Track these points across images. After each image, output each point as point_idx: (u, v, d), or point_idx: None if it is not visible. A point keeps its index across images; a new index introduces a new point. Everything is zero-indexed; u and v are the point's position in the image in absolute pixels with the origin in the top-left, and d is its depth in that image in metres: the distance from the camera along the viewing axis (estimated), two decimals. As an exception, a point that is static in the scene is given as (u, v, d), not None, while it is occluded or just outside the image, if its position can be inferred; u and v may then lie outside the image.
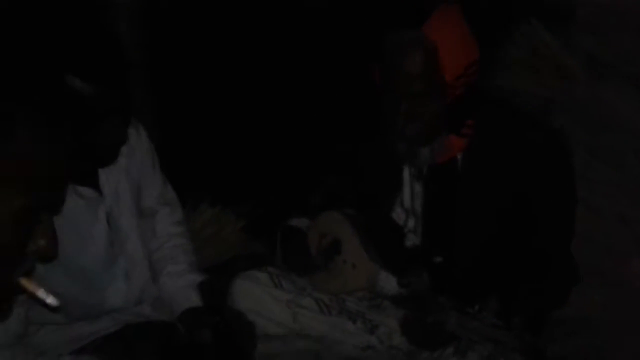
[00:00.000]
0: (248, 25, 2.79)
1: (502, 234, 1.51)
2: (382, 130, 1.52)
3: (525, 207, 1.48)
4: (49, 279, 1.06)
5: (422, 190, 1.58)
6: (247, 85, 2.70)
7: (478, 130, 1.49)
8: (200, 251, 2.17)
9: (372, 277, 1.62)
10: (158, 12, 2.54)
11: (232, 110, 2.67)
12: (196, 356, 1.50)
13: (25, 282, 0.83)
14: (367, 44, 1.48)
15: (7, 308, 0.86)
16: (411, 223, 1.63)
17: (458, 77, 1.41)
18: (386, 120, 1.48)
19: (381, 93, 1.47)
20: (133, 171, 1.61)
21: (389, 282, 1.60)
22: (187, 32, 2.72)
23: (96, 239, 1.53)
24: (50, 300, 0.80)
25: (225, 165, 2.51)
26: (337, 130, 1.90)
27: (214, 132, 2.63)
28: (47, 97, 0.82)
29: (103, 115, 1.36)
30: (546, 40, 1.88)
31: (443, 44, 1.39)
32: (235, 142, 2.63)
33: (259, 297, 1.63)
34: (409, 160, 1.52)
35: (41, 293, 0.82)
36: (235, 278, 1.66)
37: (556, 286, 1.54)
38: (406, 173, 1.61)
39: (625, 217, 1.81)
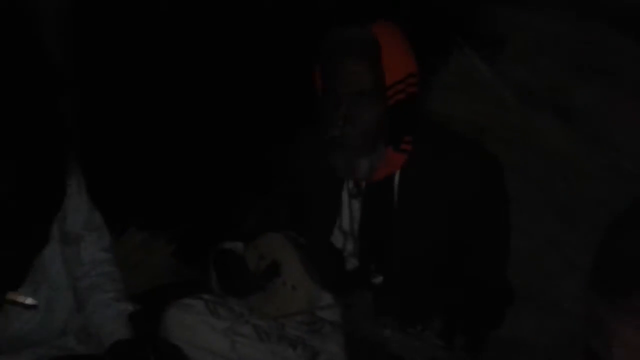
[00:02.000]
0: (176, 44, 2.70)
1: (439, 256, 1.51)
2: (320, 146, 1.50)
3: (460, 231, 1.50)
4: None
5: (360, 209, 1.56)
6: (175, 104, 2.61)
7: (416, 148, 1.50)
8: (129, 278, 2.06)
9: (313, 299, 1.58)
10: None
11: (160, 131, 2.57)
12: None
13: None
14: (305, 47, 1.48)
15: None
16: (350, 246, 1.61)
17: (398, 82, 1.43)
18: (324, 126, 1.45)
19: (320, 96, 1.46)
20: None
21: (329, 305, 1.56)
22: (108, 57, 2.60)
23: (15, 266, 1.41)
24: (29, 301, 0.73)
25: (153, 188, 2.41)
26: (273, 149, 1.87)
27: (141, 154, 2.52)
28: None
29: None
30: (480, 68, 1.93)
31: (386, 45, 1.41)
32: (164, 164, 2.53)
33: (194, 327, 1.54)
34: (347, 172, 1.50)
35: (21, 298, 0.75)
36: (167, 307, 1.57)
37: (491, 307, 1.56)
38: (345, 194, 1.59)
39: (555, 240, 1.87)
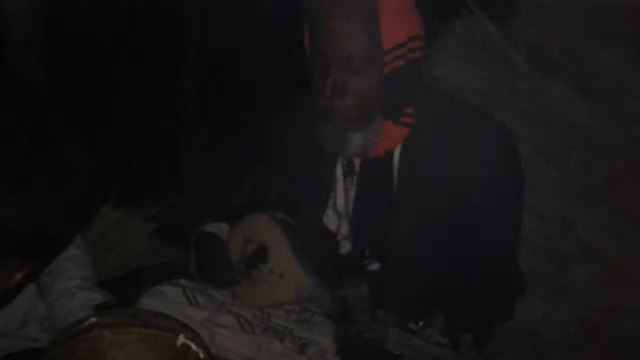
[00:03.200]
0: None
1: (442, 241, 1.35)
2: (311, 114, 1.33)
3: (466, 213, 1.34)
4: None
5: (355, 188, 1.40)
6: (156, 64, 2.42)
7: (419, 120, 1.33)
8: (103, 261, 1.91)
9: (303, 288, 1.43)
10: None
11: (136, 92, 2.37)
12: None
13: None
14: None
15: None
16: (344, 228, 1.46)
17: (398, 47, 1.25)
18: (312, 95, 1.28)
19: (308, 60, 1.28)
20: None
21: (321, 295, 1.41)
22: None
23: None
24: None
25: (131, 160, 2.22)
26: (262, 117, 1.69)
27: (116, 121, 2.32)
28: None
29: None
30: (488, 31, 1.75)
31: (385, 2, 1.22)
32: (142, 133, 2.33)
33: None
34: (337, 148, 1.33)
35: None
36: (141, 295, 1.42)
37: (502, 298, 1.40)
38: (339, 170, 1.42)
39: (569, 222, 1.71)
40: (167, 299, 1.42)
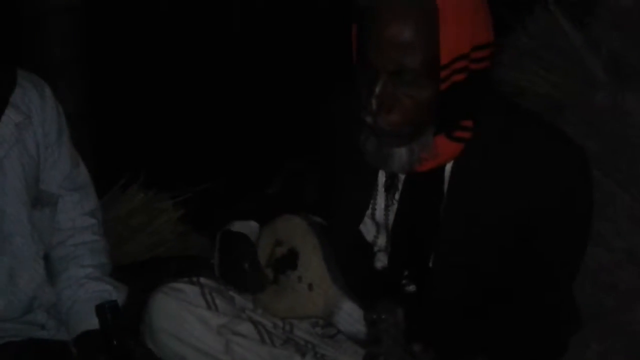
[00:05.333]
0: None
1: (491, 268, 1.20)
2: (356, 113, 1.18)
3: (525, 237, 1.17)
4: None
5: (399, 197, 1.25)
6: (195, 48, 2.31)
7: (478, 135, 1.16)
8: (125, 241, 1.83)
9: (332, 304, 1.31)
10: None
11: (176, 72, 2.28)
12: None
13: None
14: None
15: None
16: (382, 240, 1.32)
17: (459, 59, 1.07)
18: (357, 104, 1.13)
19: (355, 63, 1.13)
20: (30, 146, 1.26)
21: (351, 315, 1.28)
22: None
23: (-32, 229, 1.16)
24: None
25: (164, 140, 2.13)
26: (305, 104, 1.55)
27: (152, 97, 2.23)
28: None
29: None
30: (565, 31, 1.56)
31: (448, 7, 1.04)
32: (178, 111, 2.24)
33: (183, 318, 1.30)
34: (379, 162, 1.19)
35: None
36: (156, 290, 1.31)
37: (553, 336, 1.24)
38: (382, 177, 1.27)
39: (634, 253, 1.53)
40: (183, 298, 1.32)
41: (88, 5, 1.87)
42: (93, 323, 1.20)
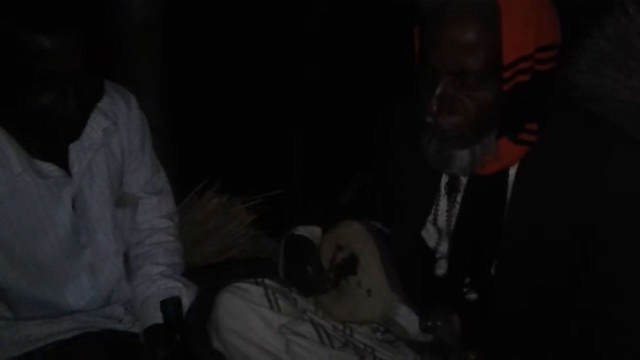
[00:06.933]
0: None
1: (556, 279, 1.16)
2: (418, 120, 1.19)
3: (591, 251, 1.13)
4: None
5: (459, 206, 1.24)
6: (270, 60, 2.39)
7: (544, 139, 1.14)
8: (200, 244, 1.91)
9: (389, 310, 1.31)
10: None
11: (253, 83, 2.35)
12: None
13: None
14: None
15: None
16: (444, 247, 1.30)
17: (522, 60, 1.06)
18: (418, 106, 1.14)
19: (417, 66, 1.14)
20: (116, 151, 1.35)
21: (408, 321, 1.28)
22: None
23: (57, 226, 1.27)
24: None
25: (240, 147, 2.21)
26: (377, 114, 1.57)
27: (230, 107, 2.32)
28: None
29: (61, 72, 1.08)
30: (646, 36, 1.49)
31: (511, 9, 1.03)
32: (254, 120, 2.31)
33: (247, 317, 1.34)
34: (440, 164, 1.18)
35: None
36: (223, 290, 1.37)
37: (618, 354, 1.18)
38: (444, 181, 1.27)
39: None
40: (248, 298, 1.37)
41: (167, 19, 1.98)
42: (161, 317, 1.28)
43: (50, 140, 1.21)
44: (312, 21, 2.40)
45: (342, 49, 2.35)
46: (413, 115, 1.20)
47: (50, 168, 1.23)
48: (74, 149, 1.26)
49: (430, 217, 1.30)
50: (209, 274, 1.63)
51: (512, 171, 1.17)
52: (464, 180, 1.22)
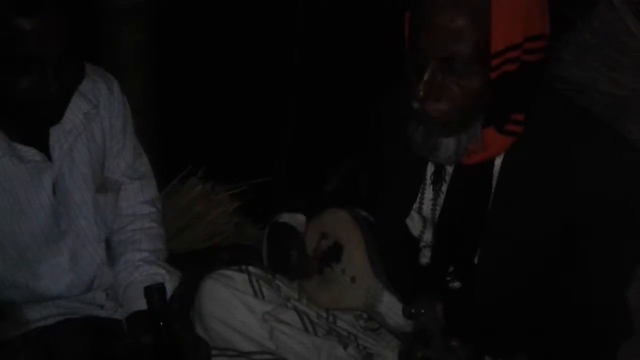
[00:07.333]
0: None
1: (539, 268, 1.17)
2: (405, 107, 1.18)
3: (574, 239, 1.14)
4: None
5: (445, 196, 1.24)
6: (257, 46, 2.36)
7: (530, 130, 1.14)
8: (184, 231, 1.90)
9: (373, 297, 1.32)
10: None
11: (239, 69, 2.33)
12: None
13: None
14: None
15: None
16: (428, 235, 1.31)
17: (511, 48, 1.06)
18: (407, 92, 1.13)
19: (406, 51, 1.13)
20: (97, 135, 1.33)
21: (391, 308, 1.29)
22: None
23: (37, 210, 1.26)
24: None
25: (225, 134, 2.19)
26: (367, 102, 1.56)
27: (216, 93, 2.30)
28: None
29: (41, 55, 1.06)
30: (632, 29, 1.49)
31: None
32: (236, 107, 2.29)
33: (230, 304, 1.34)
34: (426, 152, 1.17)
35: None
36: (207, 277, 1.37)
37: (602, 342, 1.19)
38: (430, 170, 1.27)
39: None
40: (232, 285, 1.36)
41: (153, 4, 1.95)
42: (144, 304, 1.27)
43: (30, 124, 1.19)
44: (301, 5, 2.38)
45: (330, 38, 2.34)
46: (402, 104, 1.20)
47: (30, 152, 1.21)
48: (54, 133, 1.24)
49: (415, 206, 1.30)
50: (193, 261, 1.62)
51: (498, 162, 1.18)
52: (449, 169, 1.22)
